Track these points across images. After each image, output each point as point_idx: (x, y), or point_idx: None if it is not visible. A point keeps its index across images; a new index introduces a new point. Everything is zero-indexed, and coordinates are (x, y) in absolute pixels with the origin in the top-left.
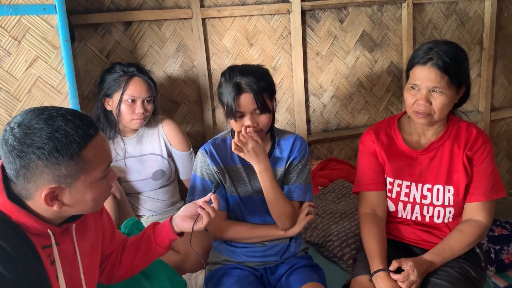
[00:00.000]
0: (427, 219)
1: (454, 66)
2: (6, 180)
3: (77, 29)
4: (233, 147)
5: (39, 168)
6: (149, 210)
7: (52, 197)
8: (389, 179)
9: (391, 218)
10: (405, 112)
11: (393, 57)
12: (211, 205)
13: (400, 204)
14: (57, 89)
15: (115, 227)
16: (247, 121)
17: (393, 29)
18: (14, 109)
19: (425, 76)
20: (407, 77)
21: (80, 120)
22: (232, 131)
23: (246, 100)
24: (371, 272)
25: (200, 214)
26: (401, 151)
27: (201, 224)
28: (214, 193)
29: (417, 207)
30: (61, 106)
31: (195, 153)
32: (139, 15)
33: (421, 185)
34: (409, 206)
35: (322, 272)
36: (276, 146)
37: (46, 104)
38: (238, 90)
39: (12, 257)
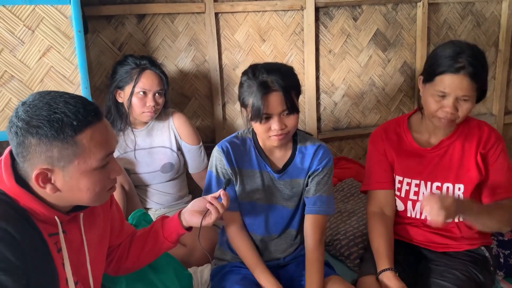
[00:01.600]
0: None
1: (482, 73)
2: (15, 164)
3: (91, 21)
4: None
5: (32, 147)
6: (157, 203)
7: (44, 178)
8: (398, 178)
9: (400, 218)
10: (416, 110)
11: (406, 57)
12: (221, 201)
13: (409, 203)
14: (69, 79)
15: (124, 218)
16: (274, 123)
17: (407, 29)
18: None
19: (456, 86)
20: (428, 80)
21: (82, 106)
22: (253, 132)
23: (275, 100)
24: (378, 271)
25: (209, 209)
26: (411, 149)
27: (210, 219)
28: (224, 189)
29: None
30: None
31: (205, 148)
32: (153, 8)
33: (430, 183)
34: (418, 205)
35: (334, 269)
36: (297, 153)
37: None
38: (266, 89)
39: (19, 243)
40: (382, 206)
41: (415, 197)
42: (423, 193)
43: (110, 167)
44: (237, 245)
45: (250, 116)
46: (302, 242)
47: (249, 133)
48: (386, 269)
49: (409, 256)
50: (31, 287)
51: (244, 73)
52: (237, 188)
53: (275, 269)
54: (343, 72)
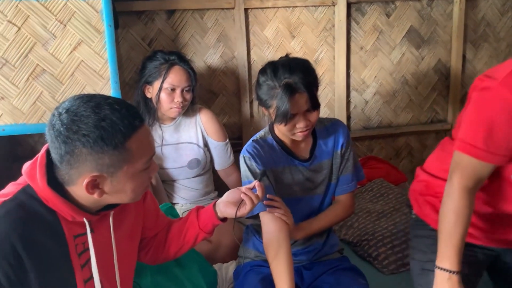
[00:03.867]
0: None
1: None
2: (50, 165)
3: (121, 16)
4: None
5: (83, 155)
6: (183, 198)
7: (94, 185)
8: None
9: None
10: None
11: (441, 54)
12: (256, 192)
13: None
14: (99, 74)
15: (159, 210)
16: (300, 122)
17: (442, 26)
18: (57, 91)
19: None
20: None
21: (126, 110)
22: (271, 130)
23: (300, 100)
24: (443, 267)
25: (243, 200)
26: None
27: (244, 210)
28: (259, 180)
29: None
30: (102, 90)
31: (231, 145)
32: (182, 3)
33: None
34: None
35: (364, 276)
36: (318, 136)
37: (88, 88)
38: (292, 92)
39: (22, 258)
40: (477, 184)
41: None
42: None
43: (151, 167)
44: (275, 265)
45: (274, 118)
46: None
47: (268, 133)
48: (455, 272)
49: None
50: None
51: (263, 72)
52: None
53: (300, 269)
54: (374, 69)
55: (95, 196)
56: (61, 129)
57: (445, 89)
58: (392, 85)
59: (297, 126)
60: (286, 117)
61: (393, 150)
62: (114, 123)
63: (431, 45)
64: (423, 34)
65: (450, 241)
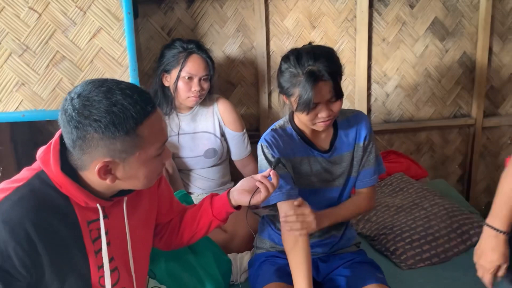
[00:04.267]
0: None
1: None
2: (64, 150)
3: (141, 5)
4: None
5: (94, 141)
6: (199, 188)
7: (106, 170)
8: None
9: None
10: None
11: (466, 47)
12: (271, 180)
13: None
14: (117, 61)
15: (173, 196)
16: (322, 112)
17: (468, 17)
18: (76, 78)
19: None
20: None
21: (138, 96)
22: (291, 119)
23: (323, 89)
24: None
25: (258, 188)
26: None
27: (259, 198)
28: (274, 168)
29: None
30: (121, 78)
31: (249, 136)
32: None
33: None
34: None
35: (381, 270)
36: (339, 127)
37: (106, 75)
38: (315, 80)
39: (35, 243)
40: None
41: None
42: None
43: (164, 153)
44: (292, 256)
45: (296, 107)
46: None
47: (287, 122)
48: (503, 232)
49: None
50: (49, 283)
51: (285, 59)
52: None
53: (316, 261)
54: (396, 62)
55: (108, 181)
56: (73, 114)
57: (469, 83)
58: (414, 78)
59: (319, 115)
60: (309, 106)
61: (414, 144)
62: (126, 109)
63: (456, 37)
64: (447, 26)
65: (506, 203)
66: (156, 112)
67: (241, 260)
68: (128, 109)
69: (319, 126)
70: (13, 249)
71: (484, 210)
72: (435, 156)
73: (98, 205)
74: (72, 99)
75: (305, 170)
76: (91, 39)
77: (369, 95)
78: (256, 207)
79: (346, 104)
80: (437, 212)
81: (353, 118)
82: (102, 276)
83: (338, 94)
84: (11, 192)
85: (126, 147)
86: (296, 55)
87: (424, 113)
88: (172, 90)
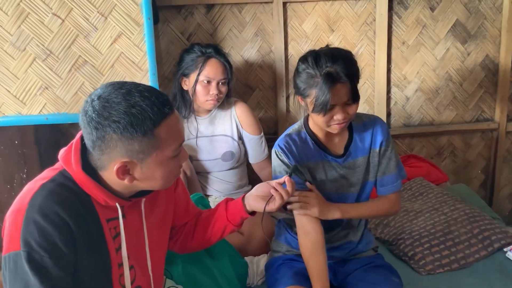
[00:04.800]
0: None
1: None
2: (84, 150)
3: (162, 10)
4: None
5: (113, 141)
6: (217, 191)
7: (124, 170)
8: None
9: None
10: None
11: (489, 50)
12: (285, 187)
13: None
14: (138, 66)
15: (190, 200)
16: (338, 114)
17: (491, 19)
18: (98, 82)
19: None
20: None
21: (156, 98)
22: (306, 123)
23: (340, 91)
24: None
25: (273, 195)
26: None
27: (273, 205)
28: (290, 175)
29: None
30: (141, 82)
31: (267, 139)
32: None
33: None
34: None
35: (398, 274)
36: (354, 132)
37: (127, 79)
38: (333, 82)
39: (72, 231)
40: None
41: None
42: None
43: (181, 154)
44: (310, 262)
45: (312, 108)
46: (366, 224)
47: (301, 126)
48: None
49: None
50: (82, 272)
51: (303, 60)
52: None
53: (334, 266)
54: (417, 65)
55: (126, 181)
56: (93, 115)
57: (492, 86)
58: (435, 82)
59: (335, 117)
60: (325, 108)
61: (434, 149)
62: (144, 110)
63: (478, 40)
64: (469, 28)
65: None
66: (174, 114)
67: (257, 263)
68: (146, 111)
69: (334, 129)
70: (59, 239)
71: (508, 217)
72: (457, 161)
73: (117, 204)
74: (92, 100)
75: (320, 176)
76: (112, 44)
77: (388, 98)
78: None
79: (365, 108)
80: (457, 217)
81: (369, 122)
82: (122, 275)
83: (354, 97)
84: (38, 188)
85: (144, 148)
86: (314, 56)
87: (445, 117)
88: (190, 93)
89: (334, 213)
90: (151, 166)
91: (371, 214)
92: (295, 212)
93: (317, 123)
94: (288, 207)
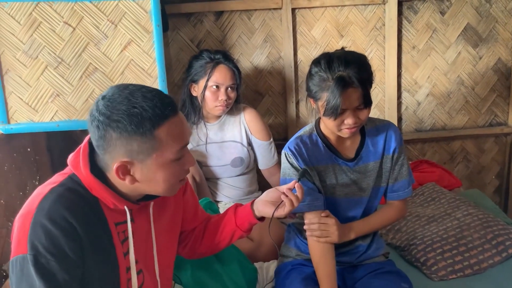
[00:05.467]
0: None
1: None
2: (92, 153)
3: (171, 18)
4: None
5: (113, 140)
6: (227, 197)
7: (124, 170)
8: None
9: None
10: None
11: (501, 53)
12: (295, 193)
13: None
14: (147, 72)
15: (198, 205)
16: (348, 119)
17: (502, 23)
18: None
19: None
20: None
21: (159, 100)
22: (317, 126)
23: (352, 95)
24: None
25: (282, 201)
26: None
27: (282, 211)
28: (298, 181)
29: None
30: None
31: (277, 145)
32: (230, 4)
33: None
34: None
35: (409, 280)
36: (367, 136)
37: None
38: (345, 86)
39: (80, 237)
40: None
41: None
42: None
43: (185, 159)
44: (320, 268)
45: (323, 112)
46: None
47: (313, 129)
48: None
49: None
50: (90, 277)
51: (316, 63)
52: (316, 185)
53: (343, 271)
54: (427, 69)
55: (127, 182)
56: (96, 114)
57: (505, 90)
58: (446, 86)
59: (345, 122)
60: (336, 112)
61: (447, 154)
62: (144, 111)
63: (490, 43)
64: (481, 32)
65: None
66: (176, 116)
67: (267, 269)
68: (147, 111)
69: (344, 133)
70: (65, 243)
71: None
72: (470, 166)
73: (125, 207)
74: (98, 101)
75: (330, 179)
76: (122, 51)
77: (399, 103)
78: None
79: (376, 113)
80: (470, 223)
81: (382, 128)
82: (130, 279)
83: (366, 102)
84: (47, 192)
85: (143, 149)
86: (327, 59)
87: (458, 121)
88: (199, 99)
89: (350, 235)
90: (151, 167)
91: (382, 224)
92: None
93: (328, 126)
94: (309, 234)
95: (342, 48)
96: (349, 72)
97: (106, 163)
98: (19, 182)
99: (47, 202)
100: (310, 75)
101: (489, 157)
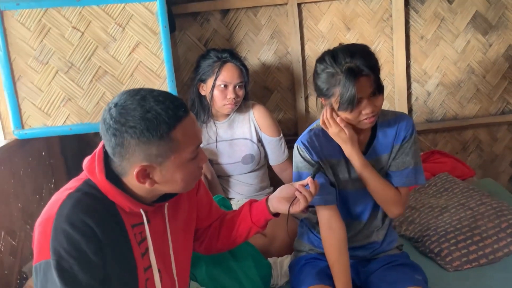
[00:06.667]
0: None
1: None
2: (107, 158)
3: (178, 19)
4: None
5: (131, 147)
6: (239, 194)
7: (144, 174)
8: None
9: None
10: None
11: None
12: (309, 189)
13: None
14: (156, 73)
15: (212, 202)
16: (366, 108)
17: None
18: (118, 91)
19: None
20: None
21: (171, 102)
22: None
23: (365, 83)
24: None
25: (297, 197)
26: None
27: (297, 207)
28: (313, 177)
29: None
30: (159, 89)
31: (286, 141)
32: (236, 2)
33: None
34: None
35: (423, 271)
36: (378, 129)
37: (146, 87)
38: (355, 76)
39: (99, 239)
40: None
41: None
42: None
43: (199, 157)
44: (333, 263)
45: (338, 106)
46: (390, 223)
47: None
48: None
49: None
50: (109, 278)
51: (321, 61)
52: (329, 179)
53: (356, 265)
54: (437, 59)
55: (147, 185)
56: (111, 122)
57: None
58: (456, 75)
59: (363, 112)
60: (353, 103)
61: (459, 144)
62: (159, 114)
63: (500, 30)
64: (490, 19)
65: None
66: (189, 116)
67: (281, 264)
68: (161, 115)
69: (364, 124)
70: (86, 246)
71: None
72: (483, 155)
73: (141, 210)
74: (110, 109)
75: (342, 173)
76: (130, 53)
77: (409, 94)
78: None
79: (386, 105)
80: (484, 212)
81: (393, 120)
82: (148, 279)
83: (379, 87)
84: (65, 198)
85: (161, 151)
86: (331, 55)
87: (469, 110)
88: (208, 98)
89: (357, 159)
90: (170, 169)
91: (377, 188)
92: (318, 208)
93: (346, 120)
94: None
95: (340, 44)
96: (356, 61)
97: (123, 169)
98: (35, 185)
99: (66, 208)
100: (316, 74)
101: (502, 145)
